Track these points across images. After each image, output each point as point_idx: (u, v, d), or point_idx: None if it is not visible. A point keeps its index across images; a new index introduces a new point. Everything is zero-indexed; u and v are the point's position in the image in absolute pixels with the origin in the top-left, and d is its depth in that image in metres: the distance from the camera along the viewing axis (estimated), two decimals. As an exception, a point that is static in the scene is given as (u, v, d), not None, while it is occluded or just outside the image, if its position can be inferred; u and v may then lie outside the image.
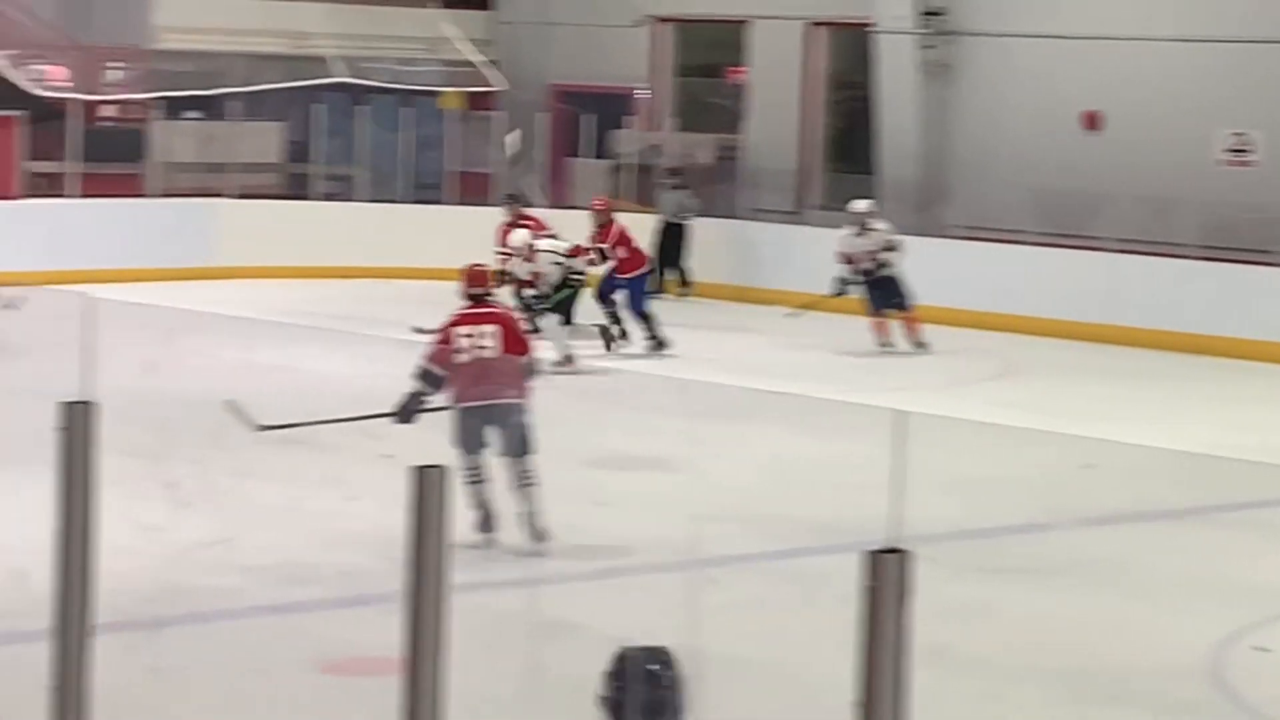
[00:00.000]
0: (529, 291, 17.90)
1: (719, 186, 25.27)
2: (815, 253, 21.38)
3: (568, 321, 17.99)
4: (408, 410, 11.51)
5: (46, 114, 23.79)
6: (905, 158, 23.86)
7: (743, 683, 8.83)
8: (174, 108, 25.07)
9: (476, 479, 11.12)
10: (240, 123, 25.06)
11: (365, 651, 9.00)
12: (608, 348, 18.86)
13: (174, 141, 24.87)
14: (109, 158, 24.00)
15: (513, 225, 18.98)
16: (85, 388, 3.11)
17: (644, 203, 24.77)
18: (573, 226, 19.70)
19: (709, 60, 27.19)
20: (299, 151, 25.85)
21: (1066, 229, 21.92)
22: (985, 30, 23.58)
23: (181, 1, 25.24)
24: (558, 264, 18.06)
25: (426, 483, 2.69)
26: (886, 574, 2.51)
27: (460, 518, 10.85)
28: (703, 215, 24.09)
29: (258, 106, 25.47)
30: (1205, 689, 9.44)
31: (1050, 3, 23.24)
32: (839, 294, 19.82)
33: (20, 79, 23.96)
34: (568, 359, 17.64)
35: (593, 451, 13.93)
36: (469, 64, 26.63)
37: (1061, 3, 23.16)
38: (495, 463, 11.27)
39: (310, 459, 12.91)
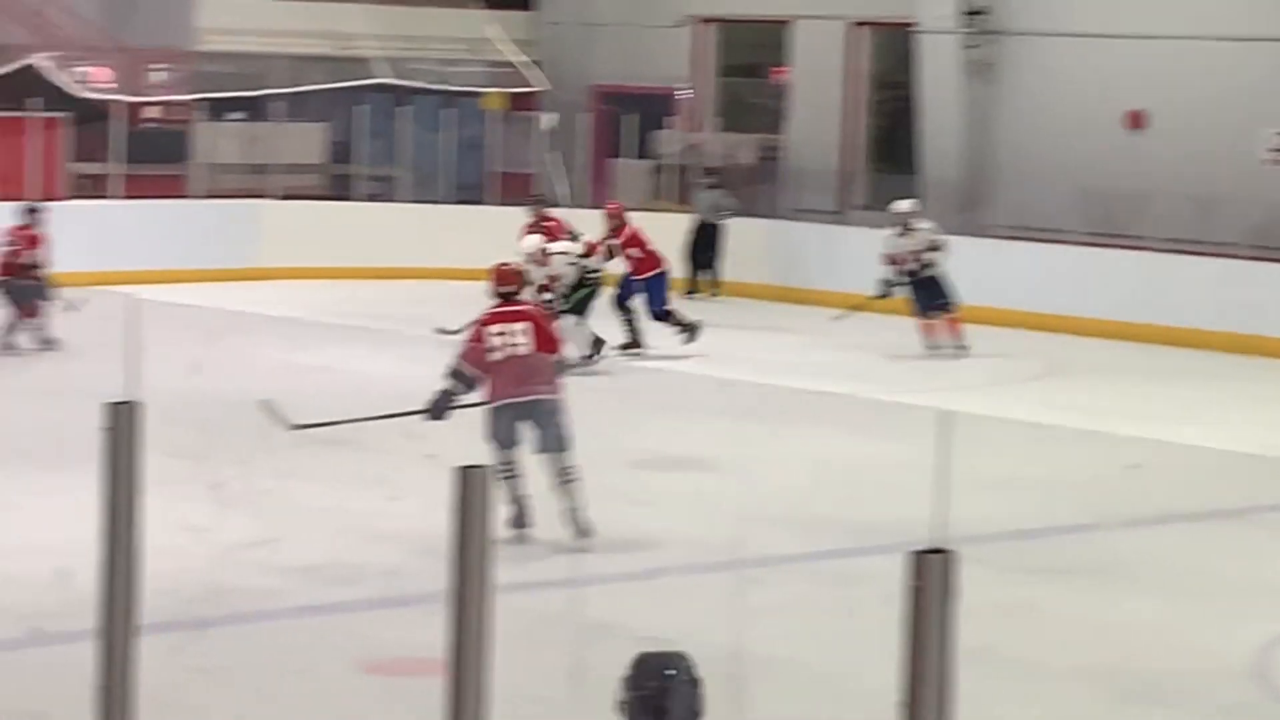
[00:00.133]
0: (546, 295, 17.87)
1: (761, 187, 25.26)
2: (857, 253, 21.35)
3: (584, 317, 17.95)
4: (439, 408, 11.55)
5: (91, 116, 23.90)
6: (948, 158, 23.81)
7: (786, 684, 8.82)
8: (217, 109, 25.16)
9: (510, 474, 11.15)
10: (283, 124, 25.13)
11: (408, 652, 9.01)
12: (636, 346, 18.82)
13: (217, 143, 24.97)
14: (153, 159, 24.10)
15: (534, 227, 18.90)
16: (130, 388, 3.11)
17: (685, 203, 24.78)
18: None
19: (751, 60, 27.17)
20: (341, 152, 25.92)
21: (1111, 229, 21.85)
22: (1028, 29, 23.51)
23: (225, 3, 25.33)
24: (572, 264, 18.05)
25: (470, 483, 2.68)
26: (931, 574, 2.49)
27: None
28: (744, 215, 24.07)
29: (300, 108, 25.55)
30: (1252, 691, 9.39)
31: (1093, 1, 23.17)
32: (884, 295, 19.76)
33: (65, 81, 24.07)
34: (589, 357, 17.65)
35: (635, 452, 13.93)
36: (511, 65, 26.66)
37: (1105, 1, 23.08)
38: (533, 460, 11.29)
39: (353, 459, 12.95)
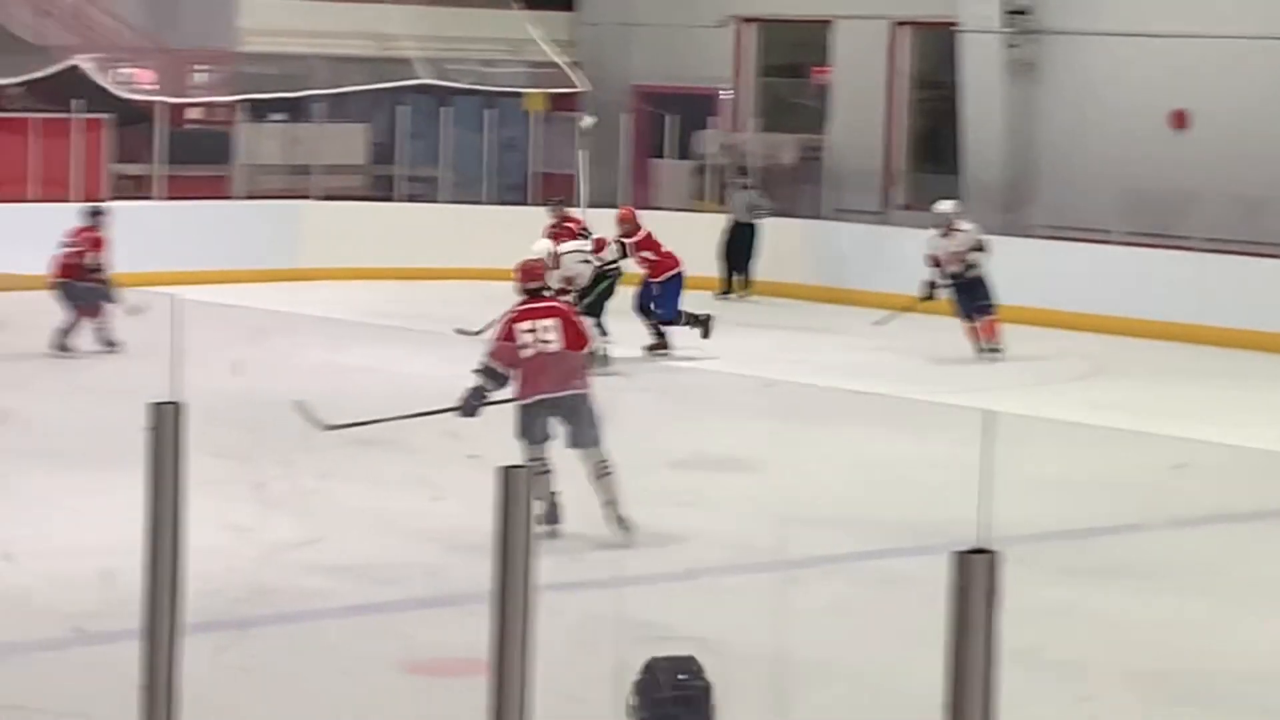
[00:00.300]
0: (565, 297, 17.83)
1: (802, 187, 25.23)
2: (899, 253, 21.31)
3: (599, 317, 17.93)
4: (470, 405, 11.56)
5: (133, 117, 23.99)
6: (990, 158, 23.74)
7: (831, 684, 8.80)
8: (259, 110, 25.23)
9: (541, 470, 11.17)
10: (325, 125, 25.20)
11: (451, 652, 9.01)
12: (663, 348, 18.81)
13: (259, 144, 25.03)
14: (195, 160, 24.18)
15: (555, 228, 18.88)
16: (174, 389, 3.12)
17: (724, 203, 24.77)
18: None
19: (793, 60, 27.14)
20: (383, 153, 25.97)
21: (1155, 229, 21.77)
22: (1070, 29, 23.44)
23: (266, 4, 25.40)
24: (585, 262, 18.04)
25: (513, 483, 2.68)
26: (975, 575, 2.49)
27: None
28: (786, 216, 24.04)
29: (342, 108, 25.61)
30: (1297, 692, 9.34)
31: (1135, 1, 23.08)
32: (927, 297, 19.68)
33: (107, 82, 24.16)
34: (605, 358, 17.64)
35: (677, 452, 13.91)
36: (553, 65, 26.68)
37: (1147, 1, 22.99)
38: (565, 455, 11.30)
39: (396, 460, 12.97)
